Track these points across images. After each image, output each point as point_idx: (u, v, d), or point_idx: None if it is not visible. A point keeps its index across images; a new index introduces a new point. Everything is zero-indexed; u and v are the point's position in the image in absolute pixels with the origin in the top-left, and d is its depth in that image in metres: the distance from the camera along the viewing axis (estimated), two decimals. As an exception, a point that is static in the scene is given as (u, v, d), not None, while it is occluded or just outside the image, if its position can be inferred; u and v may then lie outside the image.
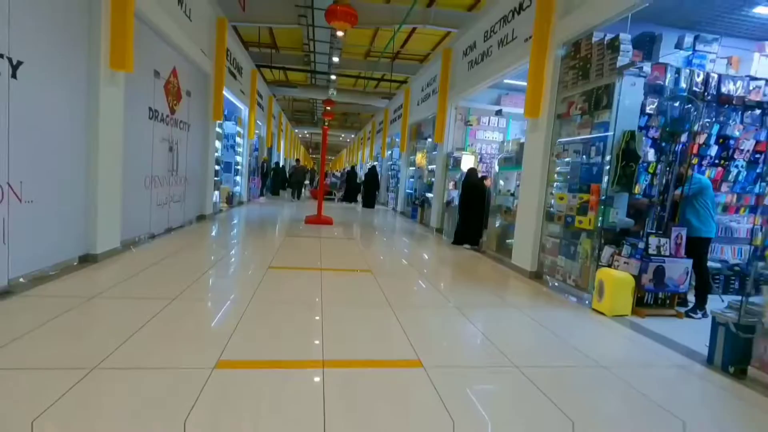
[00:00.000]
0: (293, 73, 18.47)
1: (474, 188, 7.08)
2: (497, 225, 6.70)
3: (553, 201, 5.05)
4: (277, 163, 18.56)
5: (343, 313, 3.40)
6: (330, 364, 2.44)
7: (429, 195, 10.75)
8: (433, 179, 10.47)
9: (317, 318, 3.21)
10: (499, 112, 8.06)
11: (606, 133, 4.24)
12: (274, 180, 17.39)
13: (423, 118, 11.90)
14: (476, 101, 9.34)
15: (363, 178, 16.50)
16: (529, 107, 5.37)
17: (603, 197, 4.22)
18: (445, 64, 9.38)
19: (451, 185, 9.21)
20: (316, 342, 2.74)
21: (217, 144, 9.58)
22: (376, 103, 19.41)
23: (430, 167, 11.28)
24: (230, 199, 11.20)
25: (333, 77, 16.68)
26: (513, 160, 6.29)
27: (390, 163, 16.78)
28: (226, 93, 9.28)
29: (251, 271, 4.60)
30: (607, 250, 4.07)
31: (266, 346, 2.64)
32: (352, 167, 18.19)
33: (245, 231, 7.88)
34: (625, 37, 4.15)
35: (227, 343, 2.59)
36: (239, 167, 12.20)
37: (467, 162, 8.47)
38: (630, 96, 4.14)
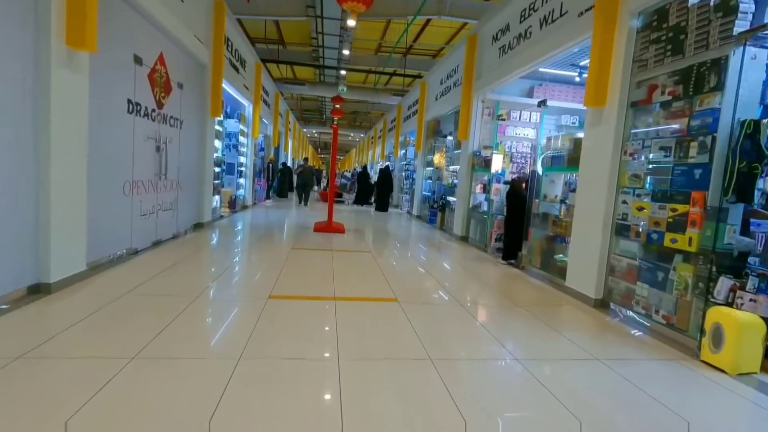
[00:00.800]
0: (301, 69, 17.55)
1: (513, 194, 6.04)
2: (541, 237, 5.65)
3: (627, 211, 3.99)
4: (284, 164, 17.64)
5: (369, 384, 2.40)
6: None
7: (450, 198, 9.72)
8: (455, 181, 9.43)
9: (333, 396, 2.21)
10: (542, 103, 6.97)
11: (714, 123, 3.18)
12: (282, 181, 16.47)
13: (442, 114, 10.87)
14: (505, 93, 8.27)
15: (375, 179, 15.48)
16: (592, 95, 4.32)
17: (711, 209, 3.17)
18: (470, 53, 8.33)
19: (478, 188, 8.15)
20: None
21: (217, 143, 8.64)
22: (387, 100, 18.43)
23: (451, 168, 10.24)
24: (233, 204, 10.27)
25: (343, 72, 15.74)
26: (563, 160, 5.23)
27: (404, 163, 15.72)
28: (226, 86, 8.34)
29: (246, 305, 3.61)
30: (724, 282, 3.01)
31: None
32: (364, 167, 17.16)
33: (246, 242, 6.92)
34: (745, -7, 3.09)
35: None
36: (243, 168, 11.26)
37: (497, 162, 7.41)
38: (749, 73, 3.08)
